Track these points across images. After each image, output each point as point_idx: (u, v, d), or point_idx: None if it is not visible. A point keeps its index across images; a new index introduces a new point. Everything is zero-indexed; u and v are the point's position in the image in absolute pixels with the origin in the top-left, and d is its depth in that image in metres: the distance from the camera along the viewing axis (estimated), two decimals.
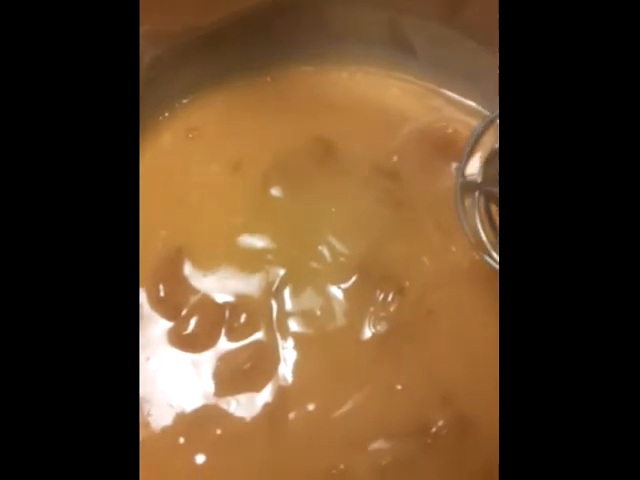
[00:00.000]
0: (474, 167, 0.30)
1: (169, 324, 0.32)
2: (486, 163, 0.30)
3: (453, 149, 0.36)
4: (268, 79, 0.39)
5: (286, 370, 0.31)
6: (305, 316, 0.32)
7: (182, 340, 0.32)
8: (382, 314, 0.32)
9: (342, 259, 0.33)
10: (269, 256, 0.34)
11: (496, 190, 0.29)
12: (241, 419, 0.30)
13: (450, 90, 0.38)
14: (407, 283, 0.33)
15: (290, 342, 0.32)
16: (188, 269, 0.33)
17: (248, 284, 0.33)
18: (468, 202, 0.31)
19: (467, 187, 0.30)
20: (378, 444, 0.30)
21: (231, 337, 0.32)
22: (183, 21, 0.35)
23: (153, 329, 0.32)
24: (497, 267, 0.29)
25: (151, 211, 0.34)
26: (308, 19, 0.37)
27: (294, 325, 0.32)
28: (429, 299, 0.33)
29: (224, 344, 0.32)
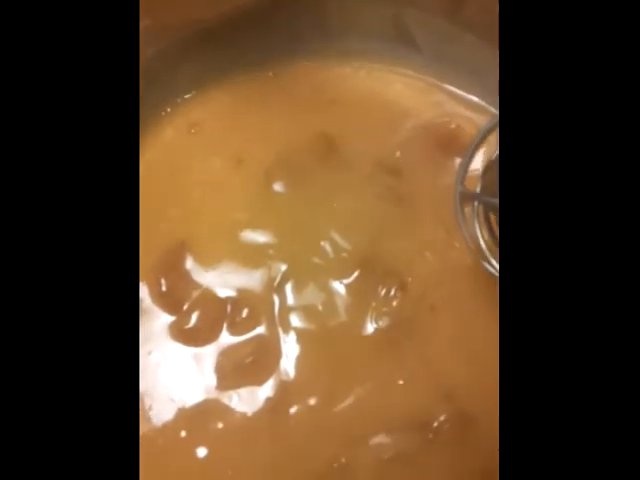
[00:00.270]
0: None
1: (171, 318, 0.32)
2: (485, 173, 0.31)
3: (456, 144, 0.36)
4: (270, 74, 0.39)
5: (288, 364, 0.31)
6: (307, 311, 0.32)
7: (184, 334, 0.32)
8: (384, 309, 0.32)
9: (344, 255, 0.33)
10: (271, 251, 0.34)
11: (495, 200, 0.29)
12: (243, 413, 0.30)
13: (453, 85, 0.38)
14: (409, 279, 0.33)
15: (292, 337, 0.32)
16: (190, 263, 0.33)
17: (250, 279, 0.33)
18: (467, 210, 0.31)
19: (466, 196, 0.31)
20: (379, 438, 0.30)
21: (233, 331, 0.32)
22: (184, 16, 0.35)
23: (155, 323, 0.32)
24: (496, 274, 0.29)
25: (153, 206, 0.34)
26: (311, 14, 0.37)
27: (296, 320, 0.32)
28: (431, 295, 0.33)
29: (226, 338, 0.32)
